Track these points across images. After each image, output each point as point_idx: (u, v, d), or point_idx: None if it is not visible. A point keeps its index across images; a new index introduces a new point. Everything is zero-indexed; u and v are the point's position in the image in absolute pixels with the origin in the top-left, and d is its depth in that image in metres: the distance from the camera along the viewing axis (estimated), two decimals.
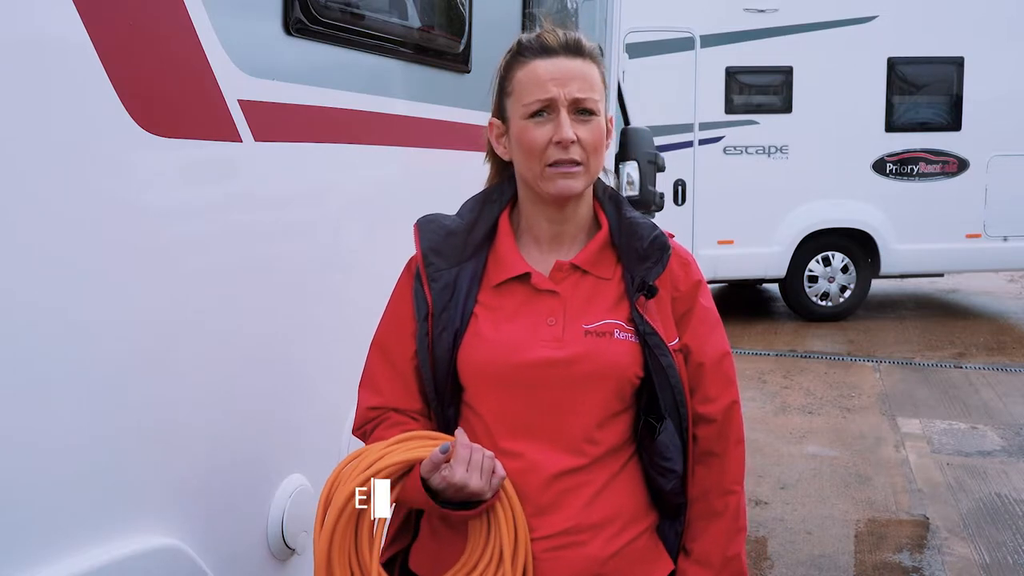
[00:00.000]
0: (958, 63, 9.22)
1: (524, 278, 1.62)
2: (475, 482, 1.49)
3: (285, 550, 2.00)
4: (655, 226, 1.66)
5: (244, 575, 1.90)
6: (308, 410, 2.11)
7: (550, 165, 1.57)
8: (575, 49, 1.60)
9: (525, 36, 1.65)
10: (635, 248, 1.63)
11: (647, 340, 1.58)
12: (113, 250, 1.51)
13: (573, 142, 1.55)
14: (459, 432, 1.58)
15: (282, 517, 1.98)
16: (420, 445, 1.53)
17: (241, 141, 1.80)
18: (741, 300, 10.82)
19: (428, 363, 1.62)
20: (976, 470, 5.42)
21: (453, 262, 1.63)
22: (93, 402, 1.48)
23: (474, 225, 1.66)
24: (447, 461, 1.50)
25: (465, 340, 1.60)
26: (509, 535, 1.53)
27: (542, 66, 1.58)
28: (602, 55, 1.68)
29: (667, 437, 1.61)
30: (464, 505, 1.53)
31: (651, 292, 1.60)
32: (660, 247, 1.63)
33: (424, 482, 1.51)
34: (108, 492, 1.53)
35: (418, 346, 1.63)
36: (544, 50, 1.60)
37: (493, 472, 1.52)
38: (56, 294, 1.41)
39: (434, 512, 1.57)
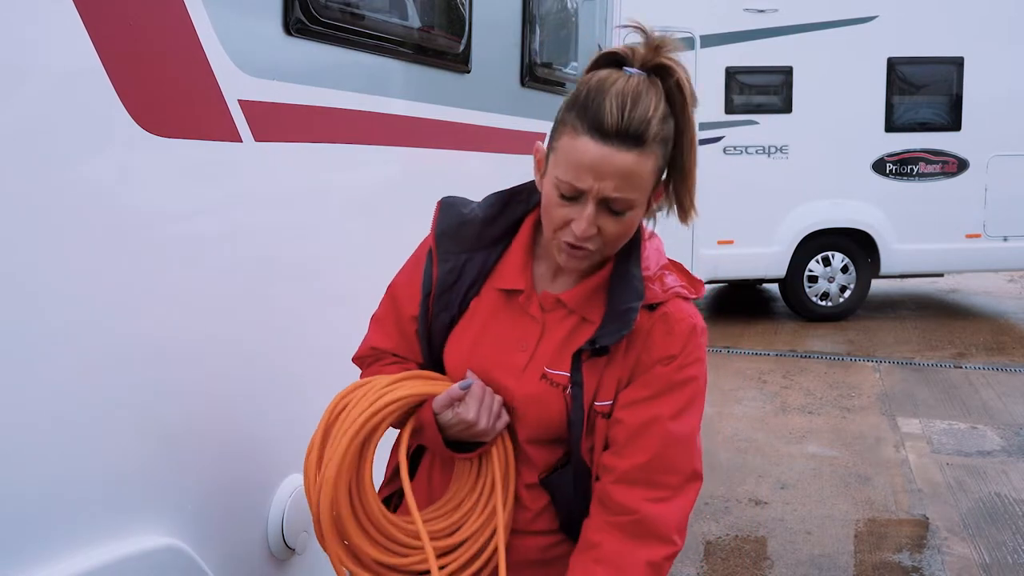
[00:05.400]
0: (958, 63, 9.21)
1: (517, 293, 1.62)
2: (484, 422, 1.54)
3: (285, 550, 2.00)
4: (641, 295, 1.52)
5: (244, 575, 1.90)
6: (308, 410, 2.10)
7: (564, 242, 1.48)
8: (634, 139, 1.39)
9: (597, 80, 1.42)
10: (616, 304, 1.53)
11: (572, 388, 1.53)
12: (113, 250, 1.51)
13: (590, 237, 1.45)
14: (472, 374, 1.59)
15: (282, 517, 1.98)
16: (426, 384, 1.59)
17: (241, 141, 1.80)
18: (741, 300, 10.82)
19: (425, 336, 1.66)
20: (976, 470, 5.42)
21: (464, 248, 1.64)
22: (93, 402, 1.48)
23: (493, 220, 1.64)
24: (462, 399, 1.54)
25: (454, 332, 1.64)
26: (501, 468, 1.59)
27: (589, 150, 1.39)
28: (672, 137, 1.45)
29: (556, 483, 1.59)
30: (465, 447, 1.58)
31: (598, 352, 1.52)
32: (627, 320, 1.50)
33: (435, 416, 1.56)
34: (108, 492, 1.53)
35: (420, 316, 1.66)
36: (599, 131, 1.39)
37: (499, 417, 1.56)
38: (56, 294, 1.41)
39: (437, 449, 1.61)
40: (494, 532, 1.58)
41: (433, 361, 1.67)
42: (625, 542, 1.50)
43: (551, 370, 1.56)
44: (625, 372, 1.54)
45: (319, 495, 1.52)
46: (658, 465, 1.51)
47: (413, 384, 1.59)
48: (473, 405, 1.53)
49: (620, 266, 1.56)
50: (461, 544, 1.59)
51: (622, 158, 1.39)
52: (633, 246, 1.56)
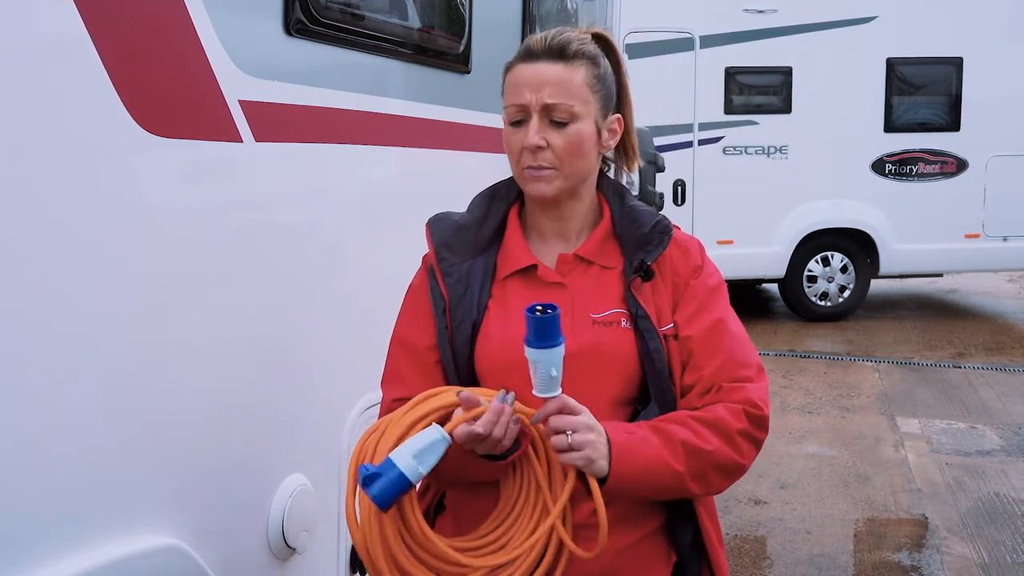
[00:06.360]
0: (957, 63, 9.23)
1: (531, 271, 1.65)
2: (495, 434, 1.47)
3: (286, 549, 2.00)
4: (656, 213, 1.68)
5: (244, 575, 1.90)
6: (308, 410, 2.11)
7: (526, 168, 1.60)
8: (557, 53, 1.59)
9: (528, 40, 1.66)
10: (636, 235, 1.65)
11: (638, 323, 1.60)
12: (113, 250, 1.51)
13: (540, 148, 1.58)
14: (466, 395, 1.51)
15: (282, 517, 1.98)
16: (438, 399, 1.51)
17: (241, 141, 1.81)
18: (741, 300, 10.82)
19: (449, 355, 1.64)
20: (975, 470, 5.42)
21: (465, 256, 1.67)
22: (93, 402, 1.48)
23: (484, 220, 1.70)
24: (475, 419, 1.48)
25: (480, 334, 1.63)
26: (542, 468, 1.52)
27: (522, 71, 1.60)
28: (604, 54, 1.65)
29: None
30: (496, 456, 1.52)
31: (647, 275, 1.61)
32: (662, 231, 1.65)
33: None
34: (108, 492, 1.53)
35: (438, 339, 1.64)
36: (528, 55, 1.61)
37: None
38: (56, 294, 1.41)
39: (467, 469, 1.54)
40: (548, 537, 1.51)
41: (461, 379, 1.63)
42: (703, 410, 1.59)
43: (597, 315, 1.61)
44: (669, 296, 1.64)
45: (365, 539, 1.46)
46: (731, 362, 1.61)
47: (427, 403, 1.52)
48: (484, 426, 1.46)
49: (618, 209, 1.69)
50: (514, 560, 1.51)
51: (550, 68, 1.59)
52: (623, 191, 1.72)
